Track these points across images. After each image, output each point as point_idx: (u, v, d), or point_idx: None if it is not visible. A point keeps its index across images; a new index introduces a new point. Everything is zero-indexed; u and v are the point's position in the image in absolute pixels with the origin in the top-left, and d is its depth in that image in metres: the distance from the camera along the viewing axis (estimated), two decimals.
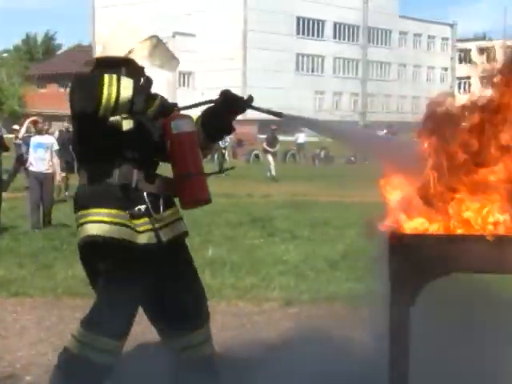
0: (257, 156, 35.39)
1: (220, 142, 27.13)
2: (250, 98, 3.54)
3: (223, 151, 26.91)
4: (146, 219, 3.53)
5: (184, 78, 64.09)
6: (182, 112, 3.58)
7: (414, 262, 3.29)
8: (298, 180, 22.69)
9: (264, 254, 8.76)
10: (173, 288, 3.63)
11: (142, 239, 3.51)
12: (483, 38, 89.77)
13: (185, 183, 3.42)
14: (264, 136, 42.39)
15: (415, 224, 3.44)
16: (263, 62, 61.89)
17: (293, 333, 5.59)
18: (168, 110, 3.48)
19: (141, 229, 3.51)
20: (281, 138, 26.74)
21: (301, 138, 36.19)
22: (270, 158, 23.54)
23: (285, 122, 3.95)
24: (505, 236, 3.26)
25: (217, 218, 12.41)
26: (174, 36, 61.77)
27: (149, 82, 3.56)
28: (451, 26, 79.97)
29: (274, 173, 23.34)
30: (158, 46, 3.60)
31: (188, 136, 3.44)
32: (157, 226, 3.55)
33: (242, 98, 3.53)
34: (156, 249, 3.54)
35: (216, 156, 33.48)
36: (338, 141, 3.90)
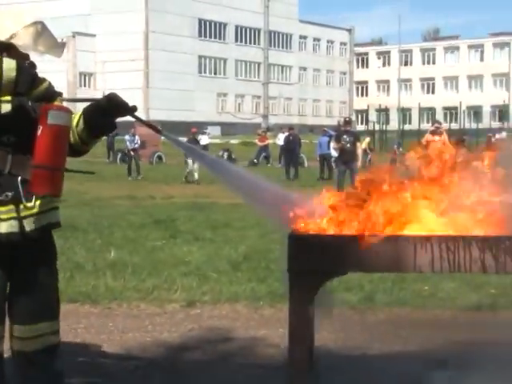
0: (160, 158, 35.17)
1: (128, 144, 26.68)
2: (134, 108, 3.51)
3: (131, 153, 26.34)
4: (12, 206, 3.42)
5: (85, 78, 63.02)
6: (65, 104, 3.51)
7: (311, 262, 3.34)
8: (200, 182, 22.68)
9: (166, 255, 8.71)
10: (24, 280, 3.51)
11: (2, 227, 3.41)
12: (380, 43, 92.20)
13: (39, 173, 3.32)
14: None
15: (314, 225, 3.50)
16: (165, 63, 61.54)
17: (195, 334, 5.59)
18: (53, 96, 3.42)
19: (4, 216, 3.41)
20: (184, 139, 26.68)
21: (204, 139, 36.18)
22: (189, 160, 23.29)
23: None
24: (400, 235, 3.35)
25: (118, 220, 12.26)
26: (73, 36, 60.68)
27: (33, 65, 3.49)
28: (349, 30, 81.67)
29: (196, 177, 23.07)
30: (42, 32, 3.53)
31: (60, 129, 3.36)
32: (23, 214, 3.44)
33: (126, 104, 3.48)
34: (18, 238, 3.44)
35: (118, 157, 33.17)
36: (212, 172, 3.92)
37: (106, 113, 3.45)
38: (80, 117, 3.52)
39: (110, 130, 3.56)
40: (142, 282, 7.17)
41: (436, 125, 17.89)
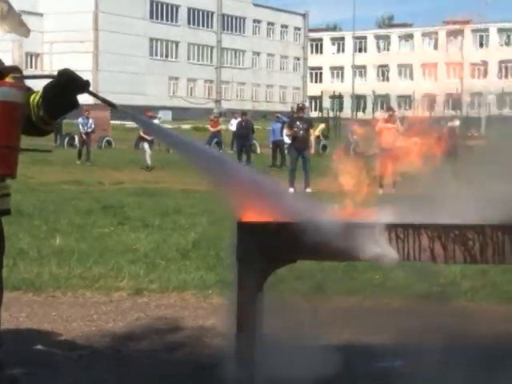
0: (109, 142, 34.83)
1: (81, 127, 26.20)
2: (87, 83, 3.45)
3: (83, 137, 25.92)
4: None
5: (32, 59, 61.99)
6: (19, 81, 3.44)
7: (260, 249, 3.34)
8: (152, 168, 22.55)
9: (114, 242, 8.64)
10: None
11: None
12: (334, 29, 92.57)
13: None
14: (121, 122, 41.78)
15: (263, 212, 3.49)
16: (115, 45, 60.86)
17: (141, 323, 5.55)
18: (6, 72, 3.35)
19: None
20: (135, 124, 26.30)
21: None
22: (146, 145, 23.00)
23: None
24: (350, 223, 3.36)
25: (65, 206, 12.11)
26: (20, 15, 59.55)
27: None
28: (303, 15, 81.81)
29: (149, 162, 22.79)
30: (8, 11, 3.46)
31: (11, 106, 3.28)
32: None
33: (81, 79, 3.42)
34: None
35: (66, 140, 32.73)
36: (172, 149, 3.86)
37: (66, 89, 3.38)
38: (40, 94, 3.44)
39: (70, 107, 3.49)
40: (88, 270, 7.10)
41: (389, 112, 18.00)
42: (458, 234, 3.27)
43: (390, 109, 19.11)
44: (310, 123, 18.09)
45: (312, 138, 18.13)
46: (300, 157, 17.36)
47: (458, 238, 3.26)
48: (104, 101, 3.59)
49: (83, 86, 3.40)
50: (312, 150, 17.96)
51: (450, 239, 3.26)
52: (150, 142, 22.86)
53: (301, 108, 18.51)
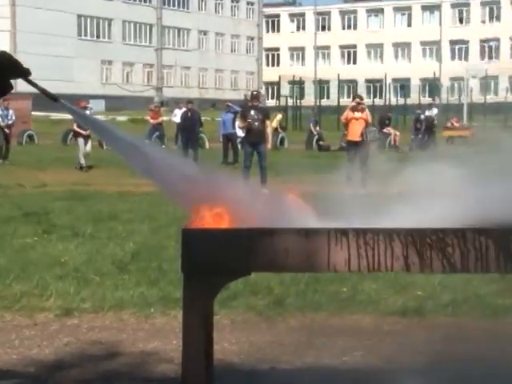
0: (30, 137, 34.53)
1: (0, 120, 25.84)
2: (28, 70, 3.51)
3: (5, 130, 25.59)
4: None
5: None
6: None
7: (209, 260, 3.35)
8: (88, 169, 22.42)
9: (38, 255, 8.59)
10: None
11: None
12: (293, 4, 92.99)
13: None
14: (45, 113, 41.38)
15: (213, 219, 3.51)
16: (37, 23, 60.28)
17: (72, 348, 5.53)
18: None
19: None
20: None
21: None
22: (80, 141, 22.75)
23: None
24: (312, 229, 3.40)
25: None
26: None
27: None
28: None
29: (82, 161, 22.53)
30: None
31: None
32: None
33: (21, 65, 3.48)
34: None
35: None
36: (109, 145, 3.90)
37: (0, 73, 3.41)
38: None
39: (3, 91, 3.52)
40: (8, 288, 7.05)
41: (357, 100, 18.17)
42: (435, 240, 3.33)
43: (357, 96, 19.27)
44: (266, 113, 18.16)
45: (269, 130, 18.17)
46: (255, 152, 17.42)
47: (436, 243, 3.32)
48: (44, 92, 3.61)
49: (23, 72, 3.47)
50: (269, 144, 18.02)
51: (427, 245, 3.31)
52: (85, 138, 22.67)
53: (255, 96, 18.57)
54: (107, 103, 61.49)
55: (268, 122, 18.18)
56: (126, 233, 10.20)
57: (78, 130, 22.63)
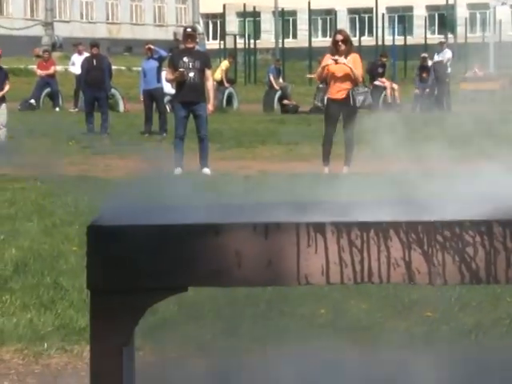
0: None
1: None
2: None
3: None
4: None
5: None
6: None
7: (127, 271, 3.37)
8: None
9: None
10: None
11: None
12: None
13: None
14: None
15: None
16: None
17: None
18: None
19: None
20: None
21: None
22: None
23: None
24: (280, 223, 3.42)
25: None
26: None
27: None
28: None
29: None
30: None
31: None
32: None
33: None
34: None
35: None
36: None
37: None
38: None
39: None
40: None
41: (339, 37, 17.90)
42: (449, 237, 3.36)
43: (338, 32, 19.05)
44: (205, 60, 18.06)
45: (210, 83, 18.09)
46: (191, 115, 17.38)
47: (450, 242, 3.35)
48: None
49: None
50: (210, 105, 17.95)
51: (438, 246, 3.35)
52: None
53: (189, 34, 18.48)
54: None
55: (209, 73, 18.08)
56: (6, 235, 10.17)
57: None
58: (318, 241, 3.38)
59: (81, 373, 5.58)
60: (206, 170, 16.90)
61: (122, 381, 3.45)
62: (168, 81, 19.59)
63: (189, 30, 18.89)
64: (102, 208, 3.65)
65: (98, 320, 3.45)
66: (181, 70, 17.48)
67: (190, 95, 17.37)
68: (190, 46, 18.04)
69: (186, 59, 17.59)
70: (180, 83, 17.65)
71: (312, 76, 17.29)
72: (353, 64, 16.87)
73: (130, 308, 3.45)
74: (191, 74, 17.39)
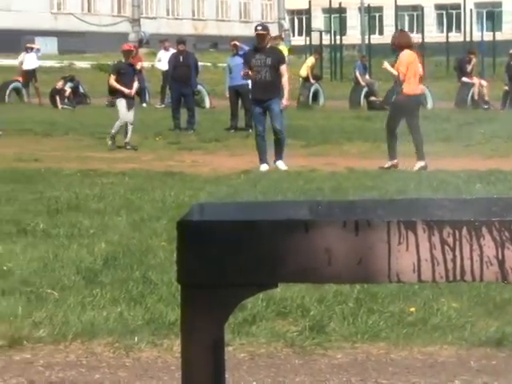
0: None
1: None
2: None
3: None
4: None
5: None
6: None
7: (219, 267, 3.39)
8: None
9: None
10: None
11: None
12: None
13: None
14: None
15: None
16: None
17: None
18: None
19: None
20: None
21: (30, 61, 35.82)
22: (121, 103, 22.49)
23: None
24: (363, 220, 3.44)
25: None
26: None
27: None
28: None
29: (115, 130, 22.19)
30: None
31: None
32: None
33: None
34: None
35: None
36: None
37: None
38: None
39: None
40: None
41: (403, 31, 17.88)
42: None
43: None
44: (277, 57, 17.74)
45: (285, 79, 17.81)
46: (268, 112, 17.34)
47: None
48: None
49: None
50: (285, 100, 17.66)
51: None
52: (129, 99, 21.82)
53: (258, 34, 18.16)
54: (61, 42, 61.46)
55: (283, 68, 17.82)
56: (95, 229, 10.24)
57: (119, 86, 21.74)
58: (410, 238, 3.38)
59: (171, 367, 5.64)
60: (280, 164, 16.93)
61: (213, 375, 3.48)
62: (244, 77, 19.49)
63: (259, 28, 18.60)
64: (192, 204, 3.66)
65: (188, 314, 3.47)
66: (254, 68, 17.43)
67: (261, 93, 17.44)
68: (260, 46, 17.93)
69: (258, 56, 17.64)
70: (253, 81, 17.76)
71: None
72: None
73: (221, 303, 3.46)
74: (263, 72, 17.39)
